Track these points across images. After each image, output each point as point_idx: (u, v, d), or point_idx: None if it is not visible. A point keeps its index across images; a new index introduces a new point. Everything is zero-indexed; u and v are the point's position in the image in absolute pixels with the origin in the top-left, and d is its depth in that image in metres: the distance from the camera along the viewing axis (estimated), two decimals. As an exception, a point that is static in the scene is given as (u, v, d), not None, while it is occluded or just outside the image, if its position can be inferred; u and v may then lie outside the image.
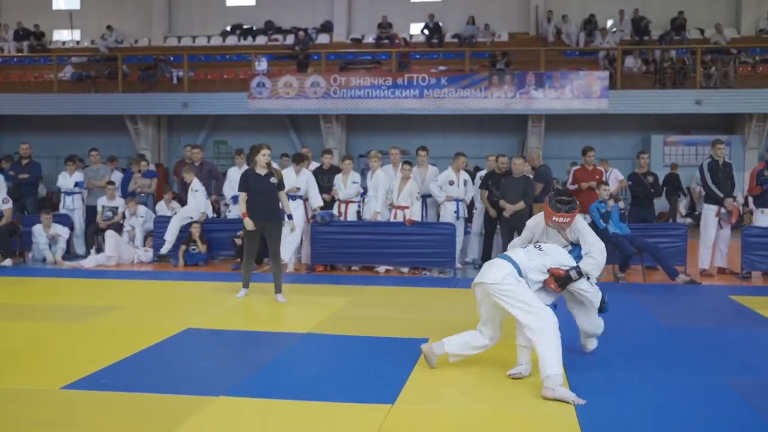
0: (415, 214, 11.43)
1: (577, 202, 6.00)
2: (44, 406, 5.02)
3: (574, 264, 5.67)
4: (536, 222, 6.20)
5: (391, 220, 11.59)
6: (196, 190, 12.51)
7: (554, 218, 5.82)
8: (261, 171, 8.82)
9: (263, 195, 8.79)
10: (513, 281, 5.40)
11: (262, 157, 8.75)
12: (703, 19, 22.87)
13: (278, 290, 8.85)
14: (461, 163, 12.00)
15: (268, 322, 7.83)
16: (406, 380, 5.56)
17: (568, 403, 4.92)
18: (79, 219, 13.89)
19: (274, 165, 9.23)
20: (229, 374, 5.80)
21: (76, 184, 13.97)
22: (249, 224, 8.72)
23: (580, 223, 5.98)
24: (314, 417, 4.83)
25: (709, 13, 22.95)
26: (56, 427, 4.63)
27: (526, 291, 5.41)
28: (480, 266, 11.82)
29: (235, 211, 12.80)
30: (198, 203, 12.50)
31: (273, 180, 8.83)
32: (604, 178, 11.84)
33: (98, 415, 4.88)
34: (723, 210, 11.19)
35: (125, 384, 5.48)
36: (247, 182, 8.82)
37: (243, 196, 8.88)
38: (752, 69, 20.58)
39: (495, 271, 5.50)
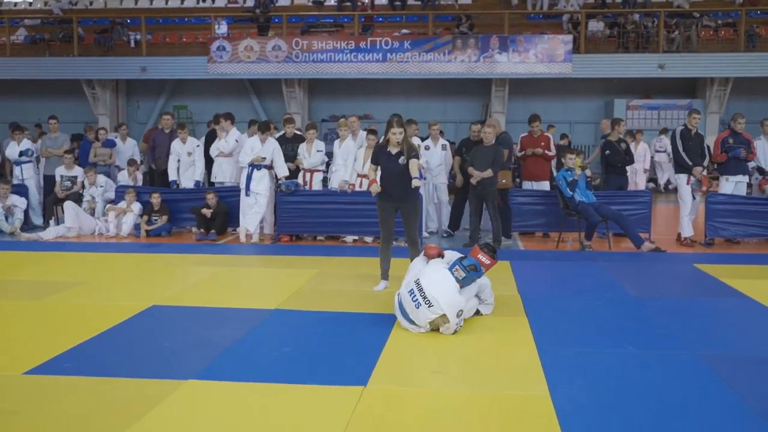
0: None
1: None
2: (7, 394, 4.87)
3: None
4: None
5: (357, 188, 11.41)
6: None
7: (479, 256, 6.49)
8: (393, 149, 7.89)
9: (394, 176, 7.87)
10: None
11: (393, 136, 7.76)
12: (665, -18, 22.91)
13: None
14: (412, 130, 11.82)
15: (235, 298, 7.66)
16: (378, 359, 5.50)
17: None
18: (32, 189, 13.45)
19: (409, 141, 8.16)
20: (197, 355, 5.67)
21: (21, 153, 13.52)
22: (375, 188, 8.00)
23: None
24: (287, 401, 4.73)
25: (671, -24, 23.00)
26: (22, 415, 4.49)
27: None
28: (447, 234, 11.88)
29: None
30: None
31: (402, 160, 7.80)
32: (550, 145, 11.98)
33: (65, 402, 4.74)
34: (693, 178, 11.23)
35: (91, 368, 5.34)
36: (378, 160, 8.04)
37: (373, 168, 8.22)
38: (714, 33, 20.68)
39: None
